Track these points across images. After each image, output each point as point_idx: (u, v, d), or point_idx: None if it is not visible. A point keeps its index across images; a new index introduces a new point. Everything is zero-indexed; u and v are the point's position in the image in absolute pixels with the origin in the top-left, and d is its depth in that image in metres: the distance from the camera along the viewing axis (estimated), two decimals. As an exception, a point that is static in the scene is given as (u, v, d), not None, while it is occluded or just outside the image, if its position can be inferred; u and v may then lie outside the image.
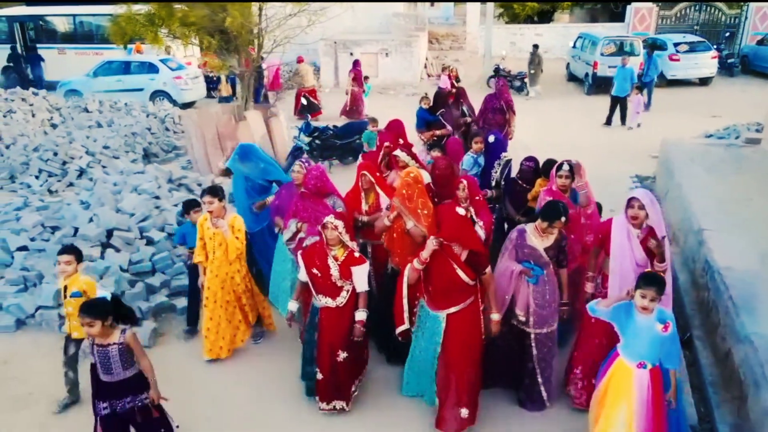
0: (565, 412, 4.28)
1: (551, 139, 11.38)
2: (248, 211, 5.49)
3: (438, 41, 24.96)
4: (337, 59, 18.68)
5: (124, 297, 5.48)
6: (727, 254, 5.15)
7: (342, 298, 4.08)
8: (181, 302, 5.64)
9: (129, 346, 3.46)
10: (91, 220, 6.45)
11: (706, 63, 17.57)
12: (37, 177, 9.19)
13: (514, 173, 5.81)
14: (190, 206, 5.20)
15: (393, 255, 4.60)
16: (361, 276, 4.07)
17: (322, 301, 4.11)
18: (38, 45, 18.26)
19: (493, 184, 5.87)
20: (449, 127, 8.29)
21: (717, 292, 4.80)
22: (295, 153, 9.50)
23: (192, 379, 4.78)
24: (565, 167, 4.69)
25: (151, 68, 15.45)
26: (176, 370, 4.87)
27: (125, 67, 15.63)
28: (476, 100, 9.25)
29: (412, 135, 8.26)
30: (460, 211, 3.86)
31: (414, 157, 5.49)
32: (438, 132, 8.18)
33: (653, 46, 17.33)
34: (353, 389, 4.33)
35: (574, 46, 19.41)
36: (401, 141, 6.30)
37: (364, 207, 4.88)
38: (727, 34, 21.17)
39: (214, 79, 16.18)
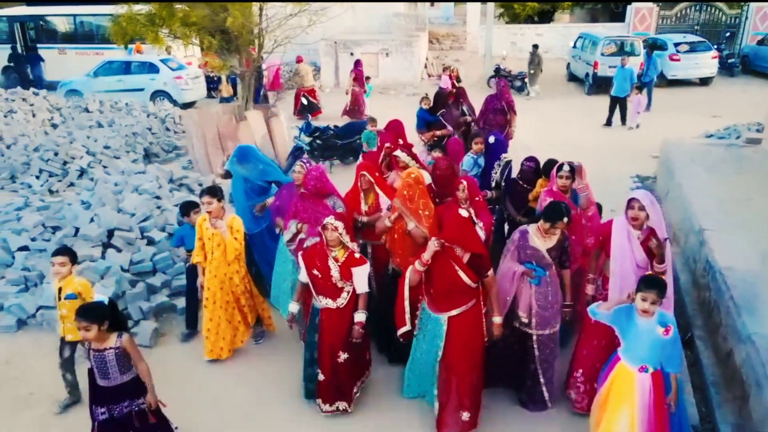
0: (566, 412, 4.27)
1: (551, 139, 11.39)
2: (248, 212, 5.48)
3: (438, 41, 24.96)
4: (338, 59, 18.68)
5: (125, 297, 5.49)
6: (728, 254, 5.15)
7: (343, 299, 4.07)
8: (182, 302, 5.61)
9: (125, 350, 3.43)
10: (92, 220, 6.45)
11: (707, 63, 17.57)
12: (37, 177, 9.19)
13: (514, 174, 5.79)
14: (189, 207, 5.18)
15: (394, 256, 4.59)
16: (361, 277, 4.05)
17: (322, 302, 4.09)
18: (39, 45, 18.27)
19: (493, 185, 5.86)
20: (450, 128, 8.29)
21: (718, 292, 4.80)
22: (296, 153, 9.50)
23: (193, 379, 4.79)
24: (566, 168, 4.67)
25: (151, 68, 15.46)
26: (177, 370, 4.88)
27: (126, 67, 15.64)
28: (476, 100, 9.25)
29: (412, 135, 8.26)
30: (463, 212, 3.83)
31: (414, 157, 5.49)
32: (438, 132, 8.18)
33: (653, 46, 17.33)
34: (355, 390, 4.32)
35: (574, 46, 19.41)
36: (401, 141, 6.30)
37: (364, 207, 4.87)
38: (728, 34, 21.17)
39: (215, 79, 16.18)
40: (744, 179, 7.25)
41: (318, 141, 10.03)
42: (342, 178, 6.97)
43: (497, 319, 3.92)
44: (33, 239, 6.33)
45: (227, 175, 5.85)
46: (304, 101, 13.86)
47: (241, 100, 10.07)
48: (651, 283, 3.25)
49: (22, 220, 6.68)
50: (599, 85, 16.43)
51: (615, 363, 3.50)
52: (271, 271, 5.47)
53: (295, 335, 5.12)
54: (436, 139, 7.91)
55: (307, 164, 5.12)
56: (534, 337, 4.12)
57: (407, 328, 4.01)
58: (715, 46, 18.62)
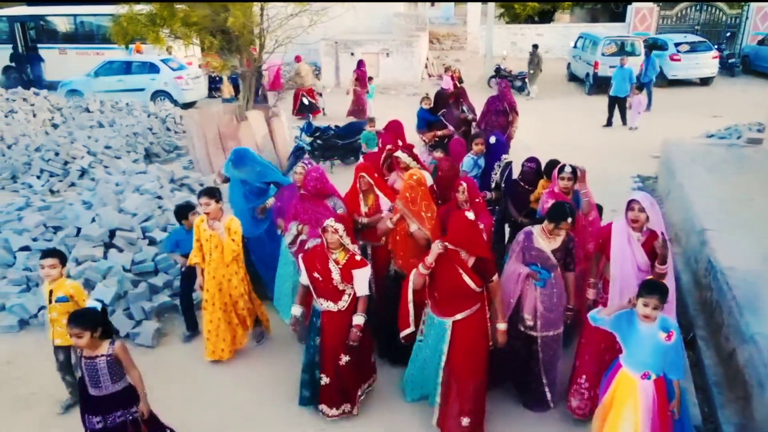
0: (568, 413, 4.25)
1: (552, 139, 11.39)
2: (247, 216, 5.40)
3: (439, 41, 24.96)
4: (338, 59, 18.68)
5: (127, 297, 5.49)
6: (729, 254, 5.15)
7: (344, 302, 4.01)
8: (183, 303, 5.63)
9: (117, 358, 3.32)
10: (93, 220, 6.45)
11: (707, 63, 17.58)
12: (38, 177, 9.19)
13: (515, 175, 5.76)
14: (187, 210, 5.13)
15: (396, 258, 4.55)
16: (362, 280, 4.00)
17: (323, 305, 4.04)
18: (39, 45, 18.27)
19: (493, 186, 5.85)
20: (451, 128, 8.28)
21: (720, 292, 4.80)
22: (297, 153, 9.49)
23: (194, 379, 4.79)
24: (568, 169, 4.62)
25: (152, 68, 15.47)
26: (179, 370, 4.89)
27: (126, 67, 15.65)
28: (477, 100, 9.25)
29: (412, 135, 8.26)
30: (470, 215, 3.76)
31: (415, 158, 5.45)
32: (440, 132, 8.17)
33: (651, 46, 17.34)
34: (360, 393, 4.27)
35: (575, 46, 19.42)
36: (400, 142, 6.29)
37: (364, 209, 4.84)
38: (728, 34, 21.19)
39: (217, 78, 16.17)
40: (745, 179, 7.25)
41: (319, 141, 10.04)
42: (343, 178, 6.95)
43: (501, 326, 3.85)
44: (34, 239, 6.33)
45: (228, 180, 5.79)
46: (305, 101, 13.86)
47: (242, 100, 10.06)
48: (652, 288, 3.19)
49: (24, 220, 6.68)
50: (600, 85, 16.44)
51: (616, 371, 3.43)
52: (268, 274, 5.46)
53: (296, 337, 5.09)
54: (437, 139, 7.90)
55: (308, 165, 5.09)
56: (539, 341, 4.08)
57: (411, 329, 3.99)
58: (716, 46, 18.63)
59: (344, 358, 4.06)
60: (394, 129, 6.75)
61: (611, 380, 3.47)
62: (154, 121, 12.32)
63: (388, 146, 5.72)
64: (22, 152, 9.76)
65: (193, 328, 5.30)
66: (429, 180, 4.73)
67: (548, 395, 4.23)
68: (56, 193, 8.85)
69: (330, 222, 3.94)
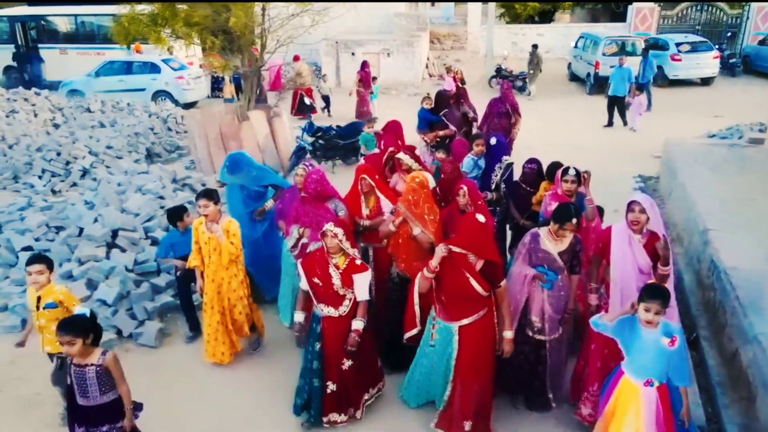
0: (569, 413, 4.24)
1: (552, 140, 11.41)
2: (246, 220, 5.35)
3: (439, 41, 24.95)
4: (339, 59, 18.68)
5: (130, 297, 5.49)
6: (732, 254, 5.15)
7: (345, 307, 3.94)
8: (186, 302, 5.63)
9: (107, 369, 3.23)
10: (96, 220, 6.45)
11: (708, 63, 17.57)
12: (40, 177, 9.19)
13: (516, 176, 5.72)
14: (180, 212, 5.10)
15: (398, 261, 4.50)
16: (362, 284, 3.92)
17: (324, 310, 3.96)
18: (40, 45, 18.27)
19: (493, 187, 5.84)
20: (452, 128, 8.28)
21: (723, 292, 4.80)
22: (299, 153, 9.50)
23: (196, 380, 4.78)
24: (572, 172, 4.57)
25: (153, 68, 15.46)
26: (180, 370, 4.90)
27: (127, 67, 15.64)
28: (477, 100, 9.27)
29: (413, 135, 8.26)
30: (480, 218, 3.66)
31: (417, 159, 5.41)
32: (441, 133, 8.16)
33: (652, 46, 17.30)
34: (367, 398, 4.23)
35: (575, 46, 19.41)
36: (399, 142, 6.27)
37: (365, 211, 4.80)
38: (729, 34, 21.19)
39: (220, 79, 16.17)
40: (747, 179, 7.26)
41: (320, 141, 10.04)
42: (344, 178, 6.95)
43: (508, 334, 3.78)
44: (37, 239, 6.34)
45: (224, 184, 5.75)
46: (307, 101, 13.86)
47: (244, 100, 10.07)
48: (654, 293, 3.14)
49: (26, 220, 6.68)
50: (600, 85, 16.40)
51: (618, 378, 3.38)
52: (264, 278, 5.45)
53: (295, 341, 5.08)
54: (439, 139, 7.89)
55: (309, 167, 5.03)
56: (547, 345, 4.03)
57: (417, 329, 3.97)
58: (717, 46, 18.62)
59: (347, 363, 4.01)
60: (393, 129, 6.73)
61: (613, 389, 3.41)
62: (155, 121, 12.32)
63: (390, 148, 5.68)
64: (24, 152, 9.76)
65: (195, 329, 5.28)
66: (431, 182, 4.69)
67: (550, 395, 4.20)
68: (58, 193, 8.85)
69: (329, 226, 3.86)
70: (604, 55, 16.97)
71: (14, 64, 18.24)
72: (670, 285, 3.70)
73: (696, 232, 6.04)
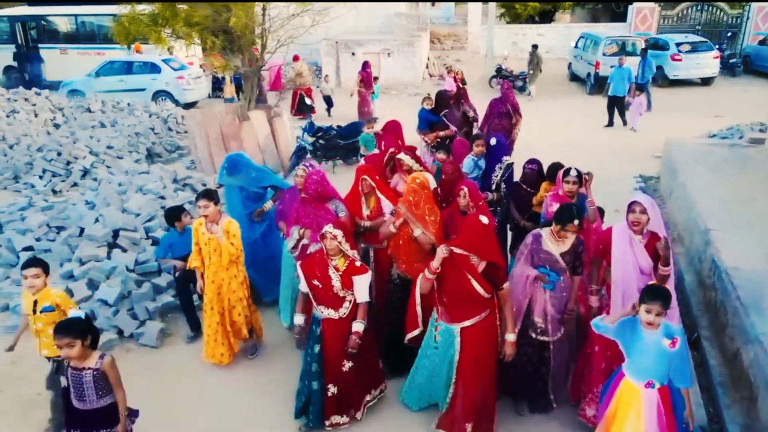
0: (570, 414, 4.24)
1: (553, 140, 11.40)
2: (245, 222, 5.33)
3: (440, 41, 24.95)
4: (339, 59, 18.68)
5: (131, 297, 5.49)
6: (733, 254, 5.15)
7: (345, 309, 3.92)
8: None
9: (105, 373, 3.20)
10: (97, 220, 6.45)
11: (708, 63, 17.57)
12: (41, 177, 9.18)
13: (516, 177, 5.71)
14: (178, 212, 5.09)
15: (399, 262, 4.48)
16: (362, 286, 3.90)
17: (324, 312, 3.93)
18: (40, 45, 18.28)
19: (493, 187, 5.84)
20: (453, 128, 8.28)
21: (724, 292, 4.79)
22: (299, 153, 9.50)
23: (196, 380, 4.78)
24: (573, 173, 4.55)
25: (153, 68, 15.45)
26: (181, 370, 4.90)
27: (127, 67, 15.64)
28: (477, 100, 9.26)
29: (413, 136, 8.25)
30: (483, 219, 3.63)
31: (418, 159, 5.39)
32: (442, 133, 8.16)
33: (652, 46, 17.31)
34: (369, 399, 4.23)
35: (576, 46, 19.41)
36: (399, 143, 6.26)
37: (366, 212, 4.78)
38: (729, 34, 21.19)
39: (221, 79, 16.17)
40: (747, 179, 7.26)
41: (321, 141, 10.03)
42: (345, 178, 6.96)
43: (510, 337, 3.74)
44: (38, 239, 6.34)
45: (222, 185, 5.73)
46: (308, 101, 13.85)
47: (245, 100, 10.07)
48: (655, 294, 3.13)
49: (27, 220, 6.68)
50: (601, 85, 16.36)
51: (619, 380, 3.36)
52: (261, 279, 5.44)
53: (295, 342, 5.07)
54: (439, 140, 7.89)
55: (309, 168, 5.01)
56: (551, 346, 4.02)
57: (419, 330, 3.96)
58: (717, 46, 18.62)
59: (347, 365, 3.99)
60: (393, 129, 6.71)
61: (614, 391, 3.40)
62: (156, 121, 12.32)
63: (391, 149, 5.67)
64: (24, 152, 9.76)
65: (196, 329, 5.28)
66: (432, 183, 4.66)
67: (551, 396, 4.20)
68: (59, 193, 8.85)
69: (328, 228, 3.83)
70: (604, 55, 16.96)
71: (15, 64, 18.29)
72: (670, 285, 3.70)
73: (697, 232, 6.04)
